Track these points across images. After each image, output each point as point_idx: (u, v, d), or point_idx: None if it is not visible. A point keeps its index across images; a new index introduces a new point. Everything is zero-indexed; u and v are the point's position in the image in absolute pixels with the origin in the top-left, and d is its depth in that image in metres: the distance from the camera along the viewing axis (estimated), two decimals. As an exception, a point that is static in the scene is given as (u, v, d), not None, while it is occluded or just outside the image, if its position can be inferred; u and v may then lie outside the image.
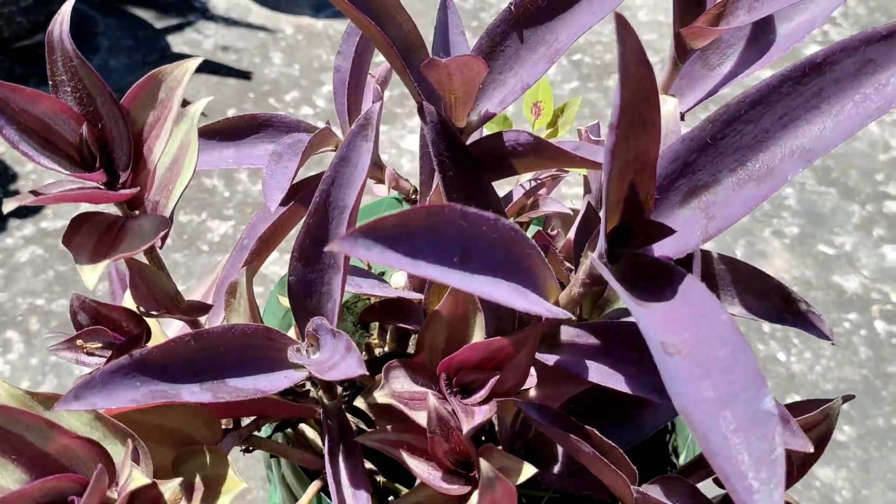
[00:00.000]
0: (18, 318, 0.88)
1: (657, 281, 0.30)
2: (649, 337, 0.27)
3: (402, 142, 1.11)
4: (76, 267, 0.27)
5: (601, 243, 0.30)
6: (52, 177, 1.02)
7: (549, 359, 0.35)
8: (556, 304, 0.33)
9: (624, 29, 0.25)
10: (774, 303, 0.46)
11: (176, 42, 1.25)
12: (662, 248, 0.32)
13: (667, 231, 0.30)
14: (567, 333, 0.35)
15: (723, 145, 0.32)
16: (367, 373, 0.30)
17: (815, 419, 0.35)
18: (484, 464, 0.28)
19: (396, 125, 1.13)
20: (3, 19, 1.17)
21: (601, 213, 0.30)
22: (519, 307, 0.29)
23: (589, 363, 0.34)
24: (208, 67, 1.20)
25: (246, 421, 0.41)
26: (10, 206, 0.26)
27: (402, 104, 1.16)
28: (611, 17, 0.27)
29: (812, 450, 0.32)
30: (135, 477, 0.26)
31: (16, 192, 0.99)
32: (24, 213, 0.97)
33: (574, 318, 0.33)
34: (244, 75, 1.20)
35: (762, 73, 0.41)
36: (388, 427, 0.37)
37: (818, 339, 0.91)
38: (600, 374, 0.33)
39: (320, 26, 1.30)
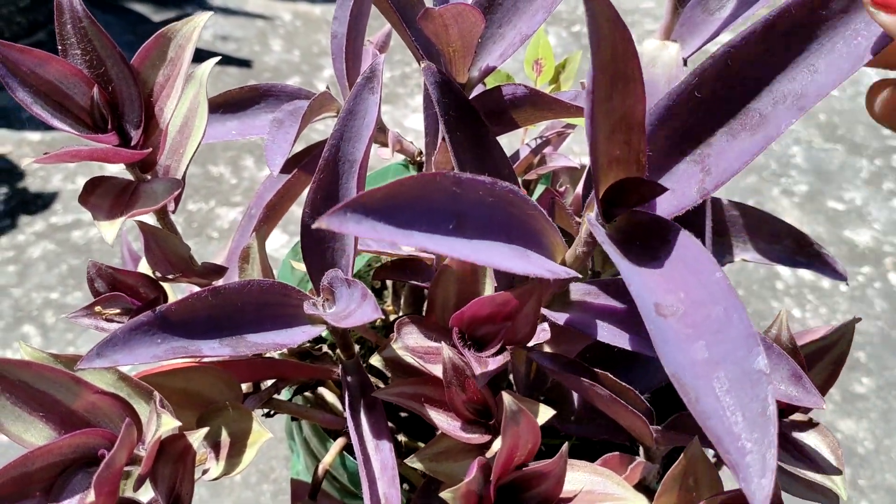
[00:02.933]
0: (34, 313, 0.89)
1: (653, 239, 0.30)
2: (642, 300, 0.26)
3: (406, 121, 1.11)
4: (95, 223, 0.28)
5: (595, 204, 0.30)
6: (60, 173, 1.02)
7: (560, 317, 0.35)
8: (563, 262, 0.32)
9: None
10: (786, 245, 0.46)
11: (175, 34, 1.26)
12: (662, 206, 0.31)
13: (659, 189, 0.30)
14: (577, 291, 0.35)
15: (713, 96, 0.30)
16: (383, 316, 0.31)
17: (831, 341, 0.36)
18: (507, 397, 0.29)
19: (399, 104, 1.13)
20: (2, 19, 1.18)
21: (593, 175, 0.29)
22: (518, 270, 0.28)
23: (598, 322, 0.34)
24: (208, 58, 1.21)
25: (266, 386, 0.42)
26: (26, 161, 0.26)
27: (403, 84, 1.16)
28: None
29: (824, 407, 0.32)
30: (164, 422, 0.26)
31: (24, 190, 1.00)
32: (33, 209, 0.98)
33: (580, 276, 0.32)
34: (245, 64, 1.20)
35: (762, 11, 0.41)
36: (405, 381, 0.37)
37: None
38: (609, 334, 0.33)
39: (318, 11, 1.30)
